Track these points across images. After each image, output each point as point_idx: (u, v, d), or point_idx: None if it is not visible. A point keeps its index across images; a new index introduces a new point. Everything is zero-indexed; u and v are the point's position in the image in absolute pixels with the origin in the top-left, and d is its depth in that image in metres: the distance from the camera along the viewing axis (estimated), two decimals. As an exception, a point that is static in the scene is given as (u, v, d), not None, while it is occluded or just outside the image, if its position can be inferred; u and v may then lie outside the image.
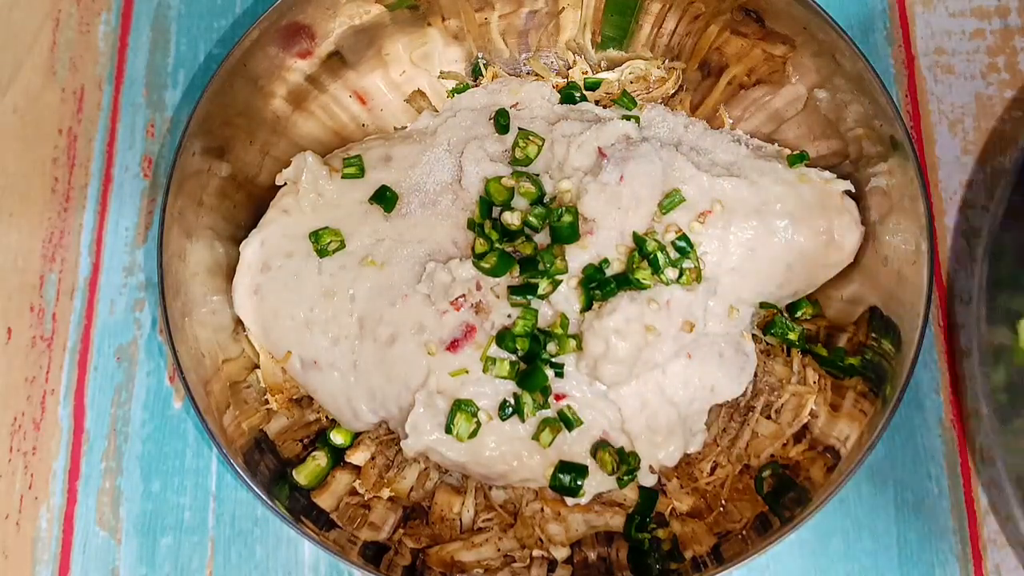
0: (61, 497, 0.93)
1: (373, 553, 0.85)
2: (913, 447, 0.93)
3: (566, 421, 0.83)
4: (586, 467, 0.84)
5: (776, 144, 0.95)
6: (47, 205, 1.01)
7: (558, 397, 0.83)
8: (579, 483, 0.84)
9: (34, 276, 0.99)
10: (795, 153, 0.93)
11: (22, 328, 0.97)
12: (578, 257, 0.84)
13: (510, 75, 1.00)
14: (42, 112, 1.03)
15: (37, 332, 0.98)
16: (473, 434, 0.83)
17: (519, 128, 0.91)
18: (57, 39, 1.06)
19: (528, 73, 1.01)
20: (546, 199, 0.87)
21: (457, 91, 0.98)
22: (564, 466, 0.84)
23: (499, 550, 0.86)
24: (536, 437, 0.83)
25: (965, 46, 1.04)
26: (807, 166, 0.92)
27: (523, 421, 0.83)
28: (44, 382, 0.96)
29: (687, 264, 0.84)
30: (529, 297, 0.83)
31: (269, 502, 0.81)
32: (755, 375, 0.90)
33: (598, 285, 0.82)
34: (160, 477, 0.94)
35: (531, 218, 0.84)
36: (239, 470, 0.81)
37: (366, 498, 0.89)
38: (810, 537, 0.91)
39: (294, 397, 0.91)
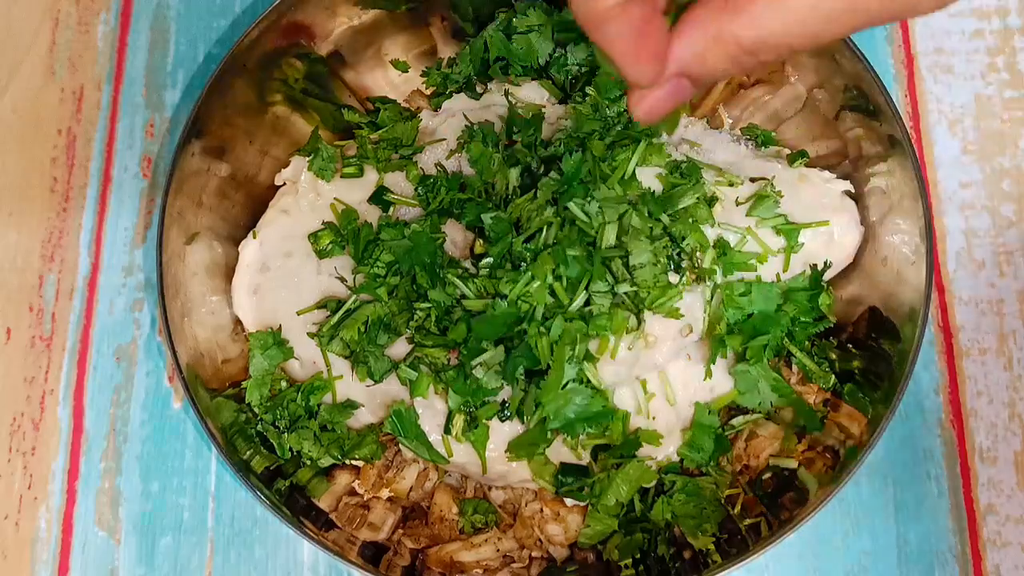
0: (60, 497, 0.93)
1: (372, 553, 0.85)
2: (913, 447, 0.93)
3: None
4: (587, 467, 0.85)
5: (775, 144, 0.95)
6: (46, 205, 1.01)
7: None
8: (581, 484, 0.84)
9: (33, 276, 0.99)
10: (795, 152, 0.93)
11: (21, 328, 0.98)
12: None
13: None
14: (41, 112, 1.03)
15: (36, 332, 0.98)
16: (478, 438, 0.83)
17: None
18: (56, 39, 1.06)
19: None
20: None
21: (438, 94, 0.98)
22: (566, 468, 0.84)
23: (498, 550, 0.86)
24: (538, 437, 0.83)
25: (965, 46, 1.04)
26: (807, 166, 0.92)
27: (523, 422, 0.83)
28: (43, 382, 0.96)
29: (685, 264, 0.83)
30: None
31: (268, 502, 0.81)
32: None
33: None
34: (159, 477, 0.94)
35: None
36: (238, 470, 0.81)
37: (365, 498, 0.89)
38: (810, 537, 0.91)
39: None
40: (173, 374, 0.96)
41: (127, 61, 1.05)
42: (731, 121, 0.98)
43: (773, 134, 0.95)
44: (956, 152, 1.01)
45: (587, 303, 0.80)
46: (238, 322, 0.91)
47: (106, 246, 1.00)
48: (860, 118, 0.89)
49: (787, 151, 0.94)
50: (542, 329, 0.79)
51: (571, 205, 0.81)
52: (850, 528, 0.91)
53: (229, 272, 0.91)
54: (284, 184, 0.94)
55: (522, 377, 0.80)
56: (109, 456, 0.94)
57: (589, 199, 0.82)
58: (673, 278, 0.82)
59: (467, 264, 0.84)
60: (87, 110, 1.04)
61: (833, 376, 0.87)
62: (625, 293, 0.80)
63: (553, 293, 0.80)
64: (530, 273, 0.80)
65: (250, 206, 0.93)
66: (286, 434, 0.86)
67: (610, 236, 0.80)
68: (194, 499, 0.93)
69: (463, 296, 0.82)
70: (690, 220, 0.83)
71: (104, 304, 0.98)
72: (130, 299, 0.99)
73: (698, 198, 0.84)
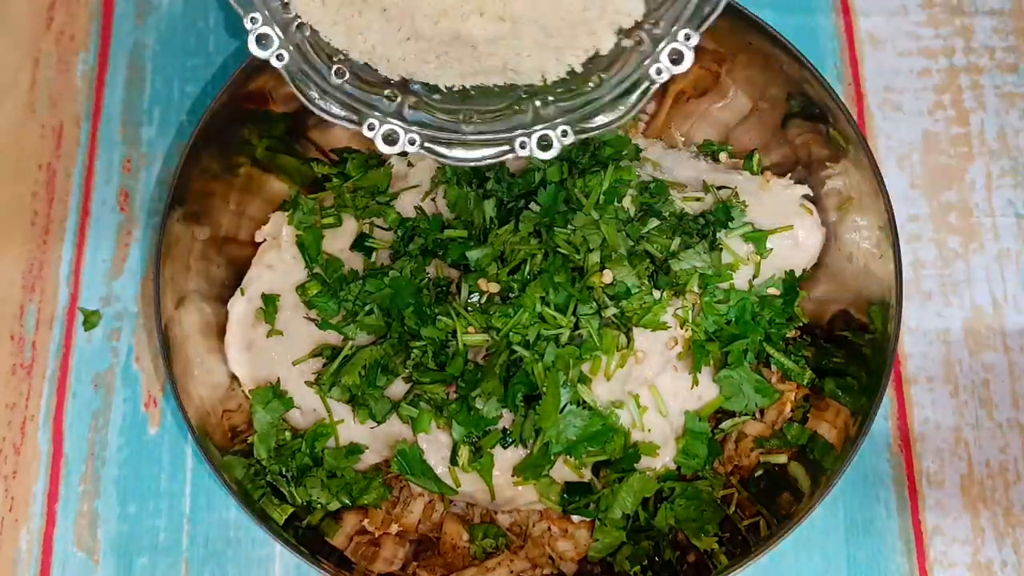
0: (40, 519, 0.95)
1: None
2: (863, 471, 0.95)
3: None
4: (589, 484, 0.87)
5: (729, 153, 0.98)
6: (27, 237, 1.03)
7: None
8: (587, 500, 0.86)
9: (15, 306, 1.01)
10: (747, 155, 0.96)
11: (3, 356, 1.00)
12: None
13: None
14: (23, 148, 1.05)
15: (17, 360, 1.00)
16: (484, 467, 0.85)
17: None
18: (37, 78, 1.08)
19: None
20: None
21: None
22: (571, 487, 0.86)
23: (512, 572, 0.88)
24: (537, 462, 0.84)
25: (913, 84, 1.06)
26: (760, 165, 0.95)
27: (526, 448, 0.85)
28: (24, 408, 0.98)
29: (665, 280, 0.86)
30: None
31: (288, 546, 0.82)
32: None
33: None
34: (136, 500, 0.96)
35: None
36: (261, 521, 0.83)
37: (376, 535, 0.90)
38: (761, 558, 0.92)
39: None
40: (149, 401, 0.98)
41: (105, 99, 1.07)
42: (683, 137, 0.99)
43: (729, 147, 0.98)
44: (904, 187, 1.03)
45: (576, 326, 0.83)
46: (235, 378, 0.93)
47: (84, 277, 1.02)
48: (809, 123, 0.91)
49: (741, 161, 0.97)
50: (537, 355, 0.82)
51: (557, 236, 0.84)
52: (802, 548, 0.93)
53: (219, 331, 0.93)
54: (265, 241, 0.96)
55: (522, 404, 0.83)
56: (87, 479, 0.96)
57: (571, 228, 0.85)
58: (655, 294, 0.85)
59: (457, 301, 0.86)
60: (67, 146, 1.06)
61: (810, 371, 0.90)
62: (612, 314, 0.83)
63: (543, 319, 0.83)
64: (521, 306, 0.82)
65: (233, 266, 0.95)
66: (294, 486, 0.87)
67: (594, 261, 0.83)
68: (169, 521, 0.95)
69: (454, 332, 0.84)
70: (665, 237, 0.86)
71: (82, 333, 1.00)
72: (107, 328, 1.00)
73: (670, 214, 0.87)
